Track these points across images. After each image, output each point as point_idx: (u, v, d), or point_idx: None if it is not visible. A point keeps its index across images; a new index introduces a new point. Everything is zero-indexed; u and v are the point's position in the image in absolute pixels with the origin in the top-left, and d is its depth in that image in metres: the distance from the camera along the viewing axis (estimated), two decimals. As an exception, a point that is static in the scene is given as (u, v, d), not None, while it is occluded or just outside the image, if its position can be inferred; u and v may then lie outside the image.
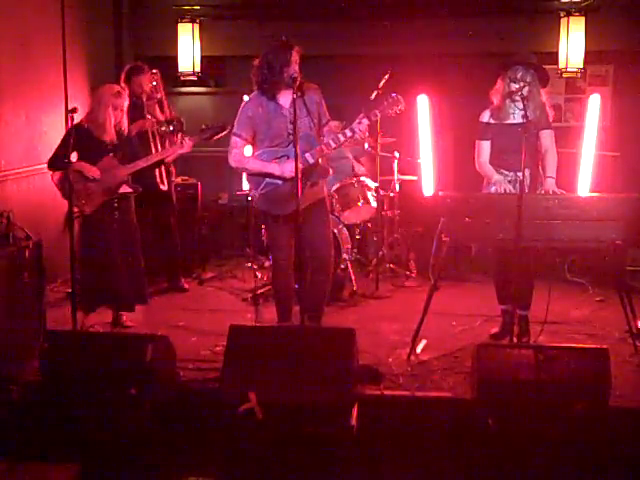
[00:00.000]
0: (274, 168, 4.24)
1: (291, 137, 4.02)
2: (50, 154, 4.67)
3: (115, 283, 4.69)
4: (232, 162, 4.34)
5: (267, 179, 4.28)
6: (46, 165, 4.71)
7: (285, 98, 4.17)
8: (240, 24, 7.24)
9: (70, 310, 4.27)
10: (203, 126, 4.85)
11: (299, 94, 4.19)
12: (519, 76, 4.31)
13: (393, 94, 4.21)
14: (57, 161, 4.62)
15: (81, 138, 4.50)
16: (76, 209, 4.60)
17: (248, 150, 4.47)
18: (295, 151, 3.88)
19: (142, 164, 4.73)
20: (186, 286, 5.95)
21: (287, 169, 4.17)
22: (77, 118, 4.46)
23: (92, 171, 4.59)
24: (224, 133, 4.71)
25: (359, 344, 3.79)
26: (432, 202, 6.05)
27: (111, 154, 4.66)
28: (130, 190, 4.72)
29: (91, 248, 4.67)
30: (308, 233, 4.26)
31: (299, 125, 4.16)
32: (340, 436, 3.37)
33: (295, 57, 4.15)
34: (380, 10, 6.89)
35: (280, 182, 4.25)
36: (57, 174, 4.64)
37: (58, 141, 4.68)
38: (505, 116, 4.44)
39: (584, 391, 3.46)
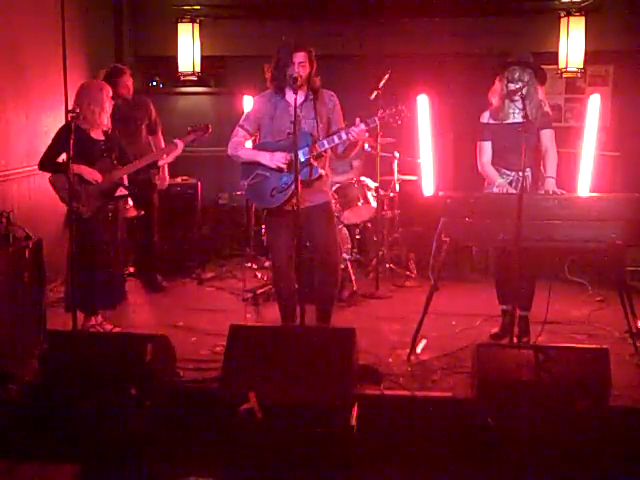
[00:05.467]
0: (263, 156, 4.27)
1: (291, 135, 4.03)
2: (42, 154, 4.59)
3: (103, 286, 4.64)
4: (229, 149, 4.40)
5: (258, 170, 4.30)
6: (37, 166, 4.63)
7: (292, 97, 4.17)
8: (240, 24, 7.25)
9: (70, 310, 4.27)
10: (189, 128, 4.90)
11: (311, 97, 4.24)
12: (516, 76, 4.31)
13: (399, 105, 4.19)
14: (48, 163, 4.56)
15: (75, 138, 4.22)
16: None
17: (249, 144, 4.52)
18: (294, 150, 3.93)
19: (138, 165, 4.69)
20: (164, 284, 5.98)
21: (275, 158, 4.21)
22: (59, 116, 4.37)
23: (94, 175, 4.50)
24: (207, 133, 4.85)
25: (359, 344, 3.79)
26: (432, 202, 6.05)
27: (105, 155, 4.60)
28: (125, 192, 4.69)
29: (84, 251, 4.43)
30: (313, 236, 4.30)
31: (303, 125, 4.19)
32: (340, 436, 3.36)
33: (298, 58, 4.15)
34: (380, 10, 6.90)
35: (269, 174, 4.27)
36: (54, 177, 4.55)
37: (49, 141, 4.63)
38: (505, 116, 4.43)
39: (584, 391, 3.46)
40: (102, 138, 4.62)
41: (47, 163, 4.58)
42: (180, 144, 4.81)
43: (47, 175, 4.64)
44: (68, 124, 4.47)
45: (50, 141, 4.62)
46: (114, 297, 4.78)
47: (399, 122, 4.18)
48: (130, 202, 5.81)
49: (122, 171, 4.62)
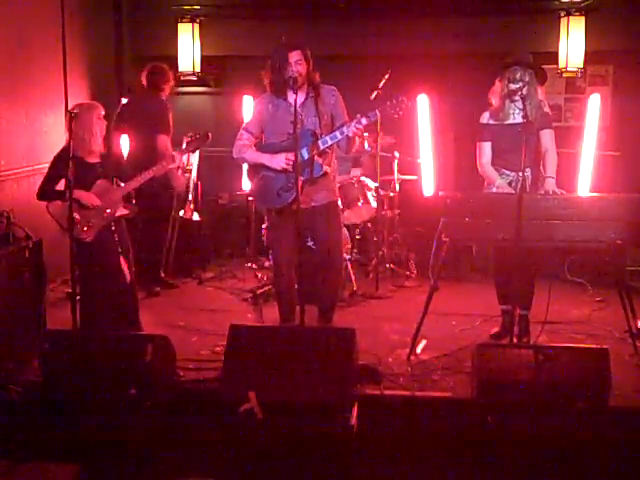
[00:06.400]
0: (266, 158, 4.28)
1: (292, 134, 4.04)
2: (38, 185, 4.52)
3: (119, 309, 4.58)
4: (234, 153, 4.42)
5: (264, 171, 4.32)
6: (36, 196, 4.53)
7: (293, 97, 4.17)
8: (240, 24, 7.24)
9: (70, 310, 4.27)
10: (187, 138, 4.85)
11: (311, 95, 4.23)
12: (518, 76, 4.31)
13: (399, 96, 4.18)
14: (47, 192, 4.48)
15: (73, 164, 4.13)
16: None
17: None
18: (295, 149, 3.93)
19: (135, 184, 4.61)
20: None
21: (276, 160, 4.22)
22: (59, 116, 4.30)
23: (91, 199, 4.41)
24: (207, 142, 4.76)
25: (359, 344, 3.79)
26: (432, 202, 6.05)
27: (103, 177, 4.51)
28: (127, 212, 4.61)
29: (96, 277, 4.42)
30: (317, 237, 4.31)
31: (305, 123, 4.19)
32: (340, 436, 3.36)
33: (295, 58, 4.15)
34: (380, 10, 6.90)
35: (274, 174, 4.27)
36: (52, 206, 4.46)
37: (45, 171, 4.54)
38: (505, 117, 4.43)
39: (584, 391, 3.46)
40: (98, 161, 4.53)
41: (47, 192, 4.49)
42: (178, 157, 4.75)
43: (45, 207, 4.50)
44: (63, 152, 4.44)
45: (47, 170, 4.53)
46: (125, 322, 4.65)
47: (400, 113, 4.17)
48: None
49: (121, 190, 4.58)
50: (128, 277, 4.56)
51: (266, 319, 5.14)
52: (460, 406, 3.67)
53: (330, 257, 4.40)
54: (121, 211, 4.57)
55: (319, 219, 4.32)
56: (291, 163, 4.14)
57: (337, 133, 4.19)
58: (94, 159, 4.52)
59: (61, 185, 4.49)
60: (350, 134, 4.16)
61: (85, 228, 4.40)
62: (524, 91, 4.27)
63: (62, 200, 4.32)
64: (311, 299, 4.40)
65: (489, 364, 3.59)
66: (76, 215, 4.26)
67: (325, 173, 4.25)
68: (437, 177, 6.57)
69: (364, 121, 4.14)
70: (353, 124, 4.14)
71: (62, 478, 3.30)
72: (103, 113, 4.58)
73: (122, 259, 4.56)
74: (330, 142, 4.19)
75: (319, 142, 4.18)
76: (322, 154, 4.24)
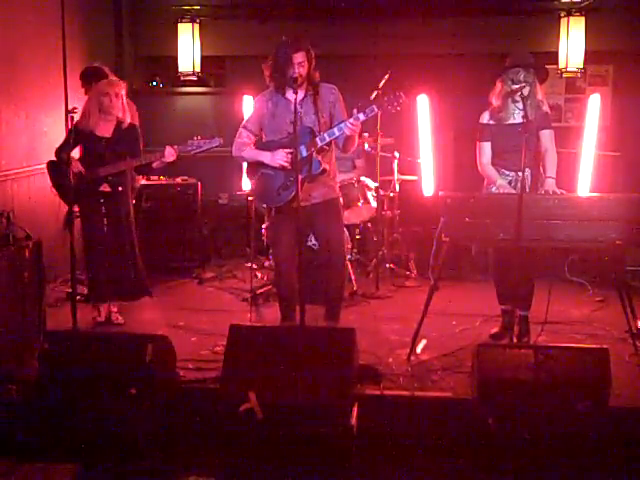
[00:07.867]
0: (265, 156, 4.27)
1: (291, 133, 4.03)
2: (60, 143, 4.82)
3: (108, 276, 4.85)
4: (233, 151, 4.41)
5: (263, 169, 4.31)
6: (54, 153, 4.82)
7: (293, 96, 4.16)
8: (240, 24, 7.25)
9: (70, 310, 4.27)
10: (196, 137, 4.79)
11: (310, 93, 4.23)
12: (521, 77, 4.31)
13: (397, 92, 4.16)
14: (61, 157, 4.72)
15: (81, 135, 4.65)
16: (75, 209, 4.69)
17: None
18: (294, 147, 3.94)
19: (123, 167, 4.76)
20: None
21: (276, 157, 4.21)
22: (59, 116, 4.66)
23: (75, 166, 4.66)
24: (214, 145, 4.72)
25: (359, 344, 3.79)
26: (432, 202, 6.05)
27: (108, 151, 4.73)
28: (108, 189, 4.76)
29: (87, 243, 4.83)
30: (318, 234, 4.30)
31: (304, 121, 4.18)
32: (340, 436, 3.36)
33: (297, 58, 4.14)
34: (380, 10, 6.90)
35: (273, 173, 4.27)
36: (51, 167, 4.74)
37: (61, 138, 4.81)
38: (506, 117, 4.43)
39: (584, 391, 3.46)
40: (108, 135, 4.77)
41: (62, 157, 4.73)
42: (171, 152, 4.74)
43: (46, 171, 4.83)
44: (75, 125, 4.62)
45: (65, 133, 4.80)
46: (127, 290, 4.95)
47: (398, 108, 4.15)
48: None
49: (107, 168, 4.72)
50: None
51: (266, 319, 5.14)
52: (460, 406, 3.67)
53: (332, 254, 4.38)
54: (104, 187, 4.76)
55: (319, 216, 4.31)
56: (290, 161, 4.14)
57: (335, 130, 4.17)
58: (105, 133, 4.79)
59: (75, 152, 4.77)
60: (348, 131, 4.15)
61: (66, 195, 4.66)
62: (525, 91, 4.27)
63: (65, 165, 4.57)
64: (316, 299, 4.40)
65: (489, 364, 3.59)
66: None
67: (324, 170, 4.24)
68: (437, 177, 6.57)
69: (361, 116, 4.10)
70: (350, 120, 4.12)
71: (62, 478, 3.30)
72: (118, 92, 4.80)
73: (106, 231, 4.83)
74: (328, 139, 4.18)
75: (317, 139, 4.17)
76: (321, 152, 4.23)
